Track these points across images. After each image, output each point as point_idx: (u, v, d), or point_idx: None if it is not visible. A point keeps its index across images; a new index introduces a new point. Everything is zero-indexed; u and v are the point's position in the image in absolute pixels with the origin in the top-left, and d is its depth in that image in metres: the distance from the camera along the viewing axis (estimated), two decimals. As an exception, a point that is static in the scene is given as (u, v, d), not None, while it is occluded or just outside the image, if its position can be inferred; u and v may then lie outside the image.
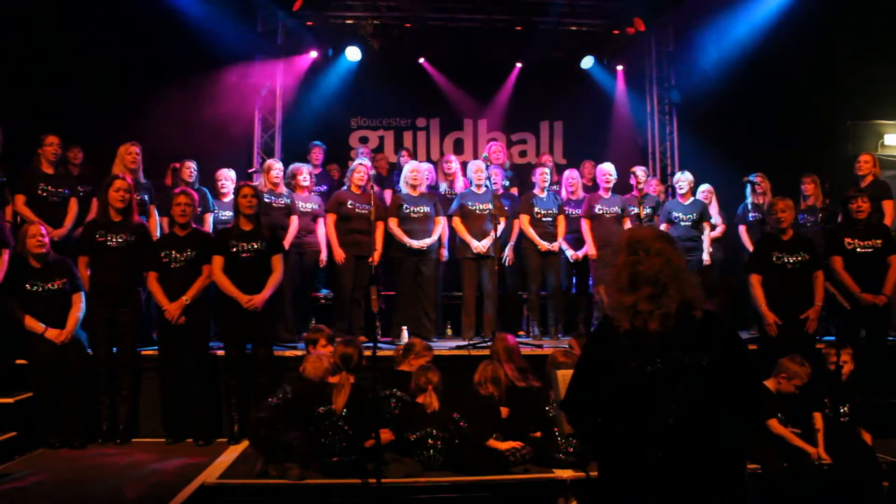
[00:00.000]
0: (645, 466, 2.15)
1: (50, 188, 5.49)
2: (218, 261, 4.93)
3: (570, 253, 6.52)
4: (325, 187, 7.12)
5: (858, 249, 5.30)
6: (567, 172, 6.84)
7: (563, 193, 6.75)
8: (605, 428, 2.27)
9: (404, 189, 6.29)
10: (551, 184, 6.84)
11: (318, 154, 7.42)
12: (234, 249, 4.95)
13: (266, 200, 5.95)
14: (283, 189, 6.17)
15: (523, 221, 6.40)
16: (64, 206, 5.56)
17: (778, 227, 5.12)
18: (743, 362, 2.25)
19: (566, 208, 6.60)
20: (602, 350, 2.29)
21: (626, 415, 2.20)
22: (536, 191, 6.50)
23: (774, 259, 5.08)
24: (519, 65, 8.76)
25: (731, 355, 2.23)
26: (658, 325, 2.16)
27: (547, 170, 6.60)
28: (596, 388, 2.25)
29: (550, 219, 6.41)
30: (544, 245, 6.29)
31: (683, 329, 2.18)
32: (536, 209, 6.39)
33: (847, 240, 5.33)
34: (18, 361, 4.88)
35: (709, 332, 2.22)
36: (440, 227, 6.25)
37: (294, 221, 6.09)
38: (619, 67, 8.88)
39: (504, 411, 4.43)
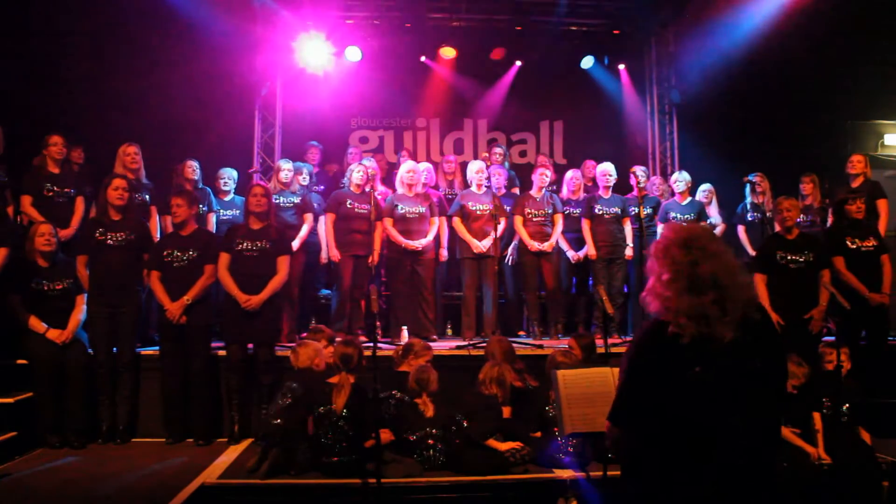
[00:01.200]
0: (705, 474, 2.05)
1: (56, 188, 5.50)
2: (224, 258, 4.94)
3: (570, 254, 6.52)
4: (322, 187, 7.13)
5: (862, 249, 5.32)
6: (570, 172, 6.84)
7: (565, 193, 6.75)
8: (659, 435, 2.13)
9: (400, 189, 6.29)
10: (549, 184, 6.83)
11: (315, 154, 7.43)
12: (240, 247, 4.95)
13: (276, 201, 5.98)
14: (295, 187, 6.19)
15: (517, 222, 6.41)
16: (70, 206, 5.56)
17: (783, 226, 5.13)
18: (784, 360, 2.22)
19: (568, 208, 6.60)
20: (659, 352, 2.13)
21: (687, 421, 2.08)
22: (533, 191, 6.50)
23: (779, 259, 5.09)
24: (518, 63, 8.75)
25: (777, 355, 2.18)
26: (731, 333, 2.04)
27: (547, 171, 6.60)
28: (651, 394, 2.12)
29: (542, 219, 6.39)
30: (534, 245, 6.28)
31: (746, 334, 2.08)
32: (528, 210, 6.38)
33: (849, 239, 5.35)
34: (18, 361, 4.89)
35: (764, 334, 2.15)
36: (435, 228, 6.24)
37: (308, 219, 6.11)
38: (620, 67, 8.86)
39: (506, 411, 4.43)
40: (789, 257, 5.07)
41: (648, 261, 2.24)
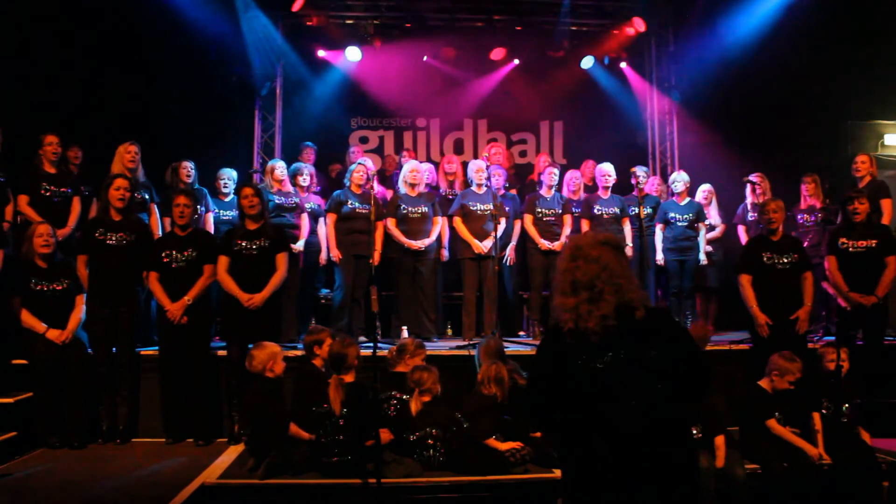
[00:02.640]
0: (599, 462, 2.27)
1: (52, 188, 5.50)
2: (223, 261, 4.95)
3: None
4: (318, 188, 7.12)
5: (851, 249, 5.32)
6: (569, 173, 6.84)
7: (565, 193, 6.76)
8: (560, 424, 2.41)
9: (403, 189, 6.29)
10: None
11: (309, 155, 7.42)
12: (238, 248, 4.95)
13: (277, 202, 5.99)
14: (289, 188, 6.18)
15: (526, 221, 6.41)
16: (67, 206, 5.56)
17: (769, 227, 5.14)
18: (688, 345, 2.38)
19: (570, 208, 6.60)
20: (553, 349, 2.43)
21: (579, 410, 2.32)
22: (543, 191, 6.50)
23: (765, 260, 5.10)
24: (516, 61, 8.74)
25: (677, 343, 2.35)
26: (595, 324, 2.30)
27: (556, 170, 6.60)
28: (550, 384, 2.39)
29: (553, 218, 6.40)
30: (545, 244, 6.29)
31: (625, 328, 2.31)
32: (539, 209, 6.39)
33: (842, 240, 5.35)
34: (18, 361, 4.89)
35: (654, 328, 2.34)
36: (438, 228, 6.24)
37: (305, 219, 6.11)
38: (621, 66, 8.86)
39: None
40: (775, 258, 5.08)
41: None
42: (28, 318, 4.75)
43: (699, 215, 6.59)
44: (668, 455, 2.27)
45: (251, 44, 7.78)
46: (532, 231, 6.36)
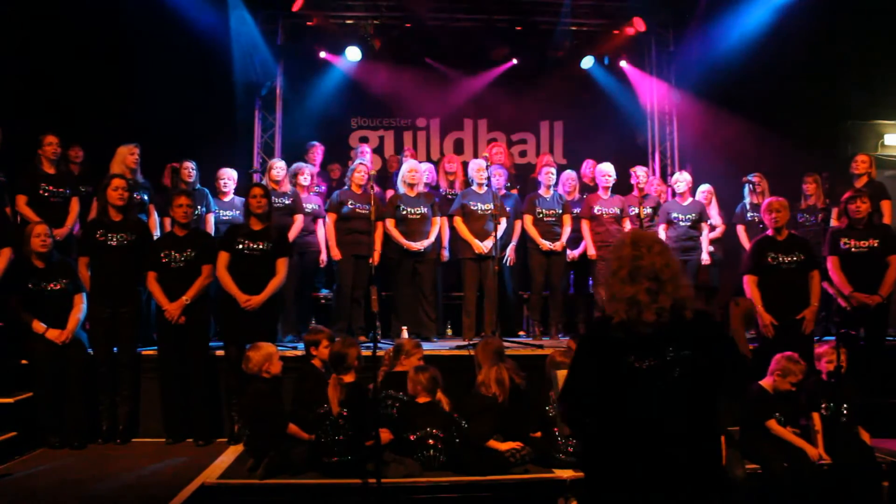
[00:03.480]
0: (637, 462, 2.25)
1: (51, 188, 5.49)
2: (223, 257, 4.94)
3: (568, 252, 6.52)
4: (324, 187, 7.12)
5: (853, 249, 5.31)
6: (565, 173, 6.83)
7: (561, 193, 6.75)
8: (599, 423, 2.36)
9: (402, 189, 6.28)
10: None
11: (316, 153, 7.39)
12: (241, 247, 4.95)
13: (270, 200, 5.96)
14: (286, 188, 6.17)
15: (527, 221, 6.40)
16: (65, 206, 5.55)
17: (773, 227, 5.13)
18: (730, 347, 2.41)
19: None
20: (597, 345, 2.41)
21: (621, 409, 2.30)
22: (541, 191, 6.50)
23: (770, 260, 5.09)
24: (514, 60, 8.74)
25: (719, 344, 2.37)
26: (653, 316, 2.28)
27: (553, 170, 6.59)
28: (591, 383, 2.36)
29: (553, 219, 6.40)
30: (546, 244, 6.29)
31: (674, 326, 2.31)
32: (539, 209, 6.38)
33: (843, 240, 5.35)
34: (18, 361, 4.88)
35: (699, 329, 2.35)
36: (437, 228, 6.24)
37: (298, 220, 6.09)
38: (621, 66, 8.86)
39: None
40: (781, 258, 5.07)
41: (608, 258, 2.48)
42: (28, 319, 4.74)
43: (702, 215, 6.59)
44: (708, 456, 2.28)
45: (237, 44, 7.77)
46: (533, 232, 6.36)
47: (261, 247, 4.98)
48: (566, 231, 6.42)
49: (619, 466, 2.30)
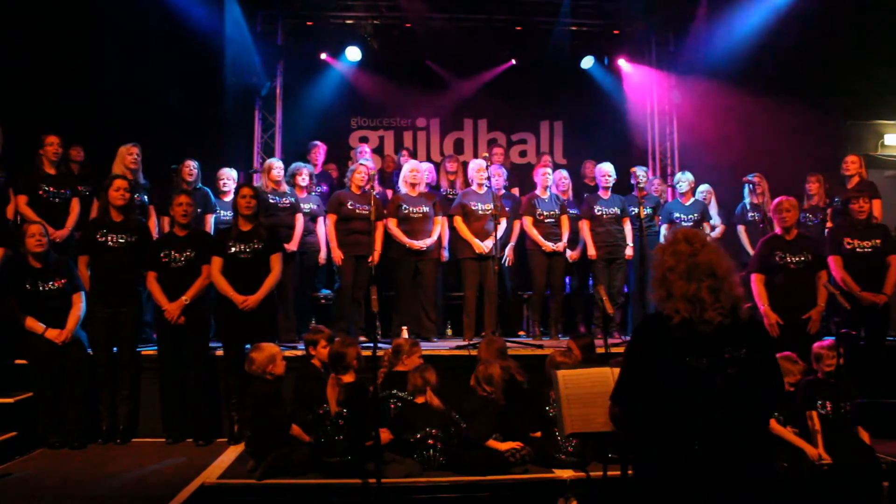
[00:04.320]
0: (693, 461, 2.22)
1: (52, 188, 5.49)
2: (216, 261, 4.94)
3: (568, 253, 6.51)
4: (324, 187, 7.11)
5: (858, 249, 5.31)
6: (557, 173, 6.79)
7: (555, 193, 6.74)
8: (652, 423, 2.32)
9: (403, 189, 6.28)
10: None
11: (318, 153, 7.38)
12: (233, 250, 4.95)
13: (271, 201, 5.97)
14: (285, 188, 6.17)
15: (527, 223, 6.39)
16: (66, 207, 5.55)
17: (782, 226, 5.12)
18: (771, 354, 2.40)
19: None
20: (654, 345, 2.34)
21: (676, 409, 2.26)
22: (538, 192, 6.49)
23: (777, 259, 5.09)
24: (512, 61, 8.74)
25: (761, 349, 2.34)
26: (717, 315, 2.25)
27: (549, 170, 6.58)
28: (646, 383, 2.32)
29: (553, 220, 6.39)
30: (549, 246, 6.27)
31: (733, 326, 2.28)
32: (539, 210, 6.37)
33: (846, 239, 5.35)
34: (18, 361, 4.89)
35: (751, 331, 2.34)
36: (439, 227, 6.24)
37: (300, 220, 6.10)
38: (620, 66, 8.87)
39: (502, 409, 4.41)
40: (788, 258, 5.07)
41: (655, 256, 2.47)
42: (27, 319, 4.73)
43: (704, 215, 6.59)
44: (762, 454, 2.27)
45: (236, 44, 7.77)
46: (534, 233, 6.34)
47: (252, 247, 4.97)
48: (566, 232, 6.41)
49: (674, 466, 2.26)
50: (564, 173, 6.80)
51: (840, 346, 4.63)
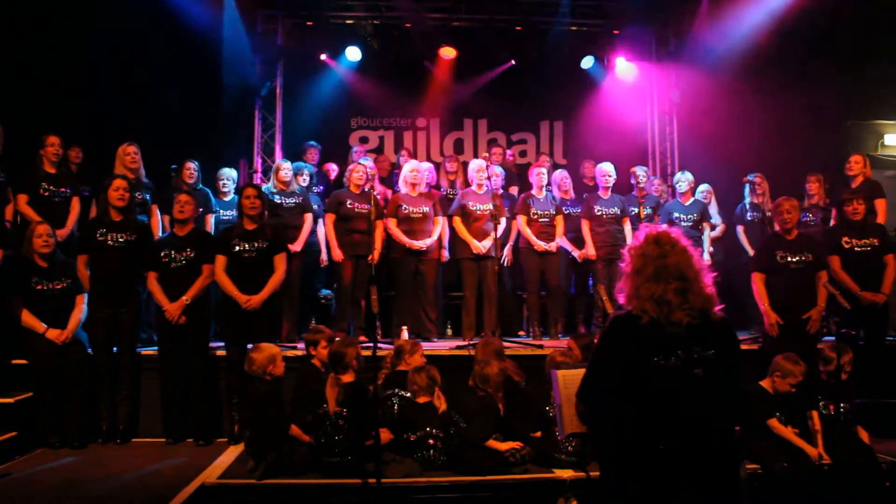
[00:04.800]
0: (661, 460, 2.23)
1: (52, 188, 5.50)
2: (221, 260, 4.94)
3: (575, 253, 6.51)
4: (321, 188, 7.12)
5: (856, 249, 5.32)
6: (556, 173, 6.81)
7: (557, 193, 6.74)
8: (621, 421, 2.33)
9: (403, 189, 6.28)
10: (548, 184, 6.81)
11: (313, 154, 7.41)
12: (237, 249, 4.95)
13: (277, 201, 5.98)
14: (294, 188, 6.18)
15: (521, 222, 6.39)
16: (66, 206, 5.56)
17: (784, 227, 5.13)
18: (735, 367, 2.38)
19: (563, 208, 6.59)
20: (621, 345, 2.35)
21: (643, 408, 2.27)
22: (534, 191, 6.49)
23: (778, 259, 5.09)
24: (512, 61, 8.74)
25: (730, 352, 2.35)
26: (685, 317, 2.26)
27: (543, 170, 6.57)
28: (613, 382, 2.33)
29: (547, 219, 6.39)
30: (541, 245, 6.28)
31: (703, 327, 2.28)
32: (533, 210, 6.37)
33: (845, 239, 5.35)
34: (18, 361, 4.89)
35: (721, 333, 2.33)
36: (439, 227, 6.24)
37: (308, 220, 6.10)
38: (620, 66, 8.86)
39: (500, 408, 4.41)
40: (789, 257, 5.08)
41: (624, 258, 2.47)
42: (28, 318, 4.74)
43: (703, 215, 6.59)
44: (727, 459, 2.27)
45: (234, 44, 7.78)
46: (527, 232, 6.34)
47: (256, 246, 4.98)
48: (559, 231, 6.41)
49: (641, 464, 2.27)
50: (565, 173, 6.80)
51: (844, 350, 4.64)
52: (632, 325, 2.31)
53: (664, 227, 2.67)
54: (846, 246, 5.34)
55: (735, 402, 2.37)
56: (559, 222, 6.44)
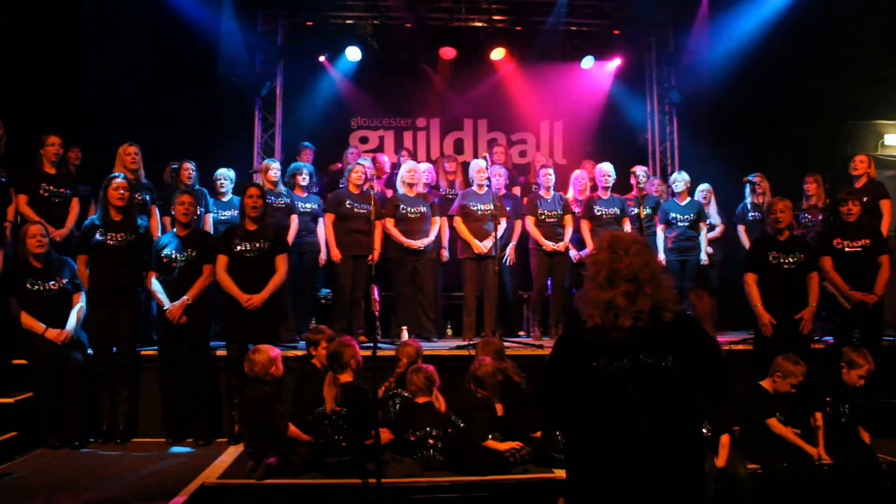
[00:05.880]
0: (607, 465, 2.23)
1: (52, 188, 5.50)
2: (222, 260, 4.94)
3: (573, 253, 6.51)
4: (317, 188, 7.12)
5: (847, 249, 5.31)
6: (577, 173, 6.84)
7: (572, 194, 6.73)
8: (569, 424, 2.36)
9: (401, 189, 6.28)
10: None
11: (308, 155, 7.41)
12: (238, 249, 4.95)
13: (267, 201, 5.96)
14: (281, 188, 6.18)
15: (529, 223, 6.39)
16: (66, 206, 5.56)
17: (775, 227, 5.13)
18: (712, 352, 2.35)
19: (574, 208, 6.58)
20: (569, 347, 2.38)
21: (590, 411, 2.28)
22: (542, 192, 6.49)
23: (771, 259, 5.09)
24: (516, 61, 8.74)
25: (701, 350, 2.32)
26: (630, 321, 2.23)
27: (551, 170, 6.57)
28: (563, 386, 2.35)
29: (555, 220, 6.39)
30: (549, 245, 6.27)
31: (652, 329, 2.26)
32: (541, 210, 6.37)
33: (836, 240, 5.35)
34: (18, 361, 4.88)
35: (679, 333, 2.29)
36: (437, 227, 6.24)
37: (294, 220, 6.10)
38: (620, 66, 8.87)
39: (499, 408, 4.41)
40: (781, 258, 5.08)
41: (585, 263, 2.49)
42: (27, 319, 4.74)
43: (700, 215, 6.59)
44: (682, 461, 2.23)
45: (234, 44, 7.77)
46: (535, 233, 6.34)
47: (258, 246, 4.98)
48: (568, 231, 6.41)
49: (592, 469, 2.27)
50: (584, 173, 6.83)
51: (844, 347, 4.64)
52: (577, 330, 2.33)
53: (627, 228, 2.68)
54: (837, 247, 5.34)
55: (719, 393, 2.39)
56: (568, 222, 6.44)
